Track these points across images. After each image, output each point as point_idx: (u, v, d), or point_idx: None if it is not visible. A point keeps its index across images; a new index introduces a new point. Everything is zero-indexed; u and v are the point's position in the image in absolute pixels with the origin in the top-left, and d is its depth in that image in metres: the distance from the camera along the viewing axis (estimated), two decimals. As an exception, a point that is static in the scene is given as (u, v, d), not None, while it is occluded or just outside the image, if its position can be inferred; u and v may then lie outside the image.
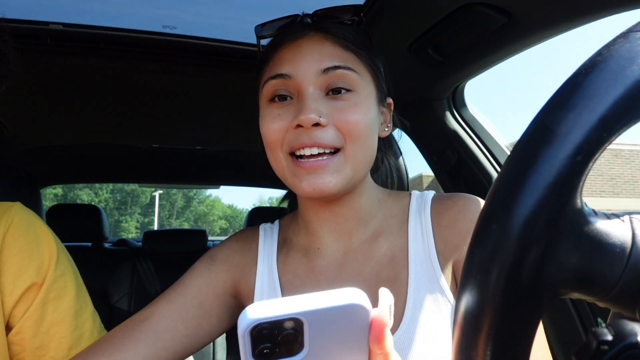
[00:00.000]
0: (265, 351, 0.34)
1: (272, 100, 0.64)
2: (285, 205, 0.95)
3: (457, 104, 1.32)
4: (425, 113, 1.33)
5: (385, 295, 0.37)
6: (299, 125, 0.60)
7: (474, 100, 1.36)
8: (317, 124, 0.59)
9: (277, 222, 0.82)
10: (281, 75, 0.62)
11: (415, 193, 0.75)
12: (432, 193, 0.73)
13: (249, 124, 1.88)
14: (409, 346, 0.59)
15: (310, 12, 0.70)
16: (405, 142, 1.42)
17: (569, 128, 0.26)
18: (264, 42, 0.73)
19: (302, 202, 0.74)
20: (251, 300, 0.72)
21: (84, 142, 1.98)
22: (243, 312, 0.33)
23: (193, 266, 0.75)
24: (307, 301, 0.34)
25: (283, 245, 0.77)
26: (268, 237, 0.78)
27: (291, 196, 0.91)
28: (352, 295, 0.34)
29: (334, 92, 0.62)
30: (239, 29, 1.26)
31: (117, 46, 1.21)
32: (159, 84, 1.44)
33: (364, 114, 0.63)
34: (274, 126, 0.62)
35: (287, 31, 0.66)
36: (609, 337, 0.26)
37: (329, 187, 0.61)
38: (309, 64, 0.61)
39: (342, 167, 0.62)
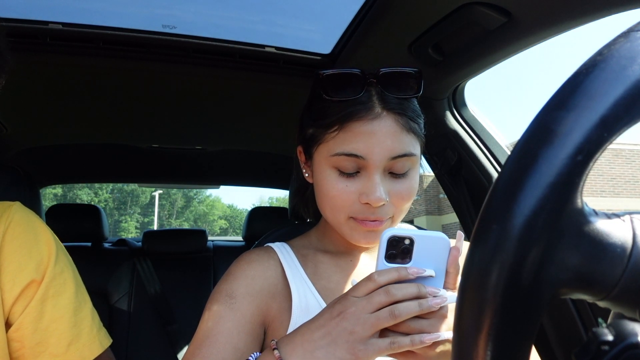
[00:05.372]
0: (391, 253, 0.57)
1: (339, 169, 0.69)
2: (285, 205, 0.95)
3: (458, 103, 1.31)
4: (426, 113, 1.32)
5: (460, 237, 0.59)
6: (367, 202, 0.66)
7: (475, 100, 1.36)
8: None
9: (282, 243, 0.82)
10: (355, 156, 0.66)
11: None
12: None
13: (249, 124, 1.88)
14: None
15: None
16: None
17: (570, 128, 0.26)
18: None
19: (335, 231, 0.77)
20: (288, 313, 0.71)
21: (83, 142, 1.97)
22: (386, 230, 0.56)
23: (211, 310, 0.70)
24: (419, 231, 0.57)
25: (305, 260, 0.78)
26: (284, 252, 0.78)
27: (300, 213, 0.91)
28: (443, 234, 0.57)
29: (395, 173, 0.69)
30: (239, 28, 1.26)
31: (117, 46, 1.21)
32: (159, 84, 1.44)
33: (414, 186, 0.70)
34: (343, 197, 0.68)
35: (360, 108, 0.67)
36: (610, 338, 0.26)
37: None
38: (382, 150, 0.66)
39: (390, 227, 0.71)
